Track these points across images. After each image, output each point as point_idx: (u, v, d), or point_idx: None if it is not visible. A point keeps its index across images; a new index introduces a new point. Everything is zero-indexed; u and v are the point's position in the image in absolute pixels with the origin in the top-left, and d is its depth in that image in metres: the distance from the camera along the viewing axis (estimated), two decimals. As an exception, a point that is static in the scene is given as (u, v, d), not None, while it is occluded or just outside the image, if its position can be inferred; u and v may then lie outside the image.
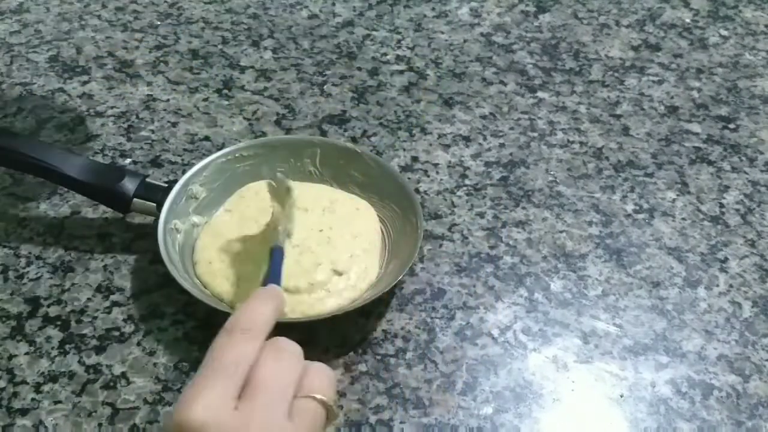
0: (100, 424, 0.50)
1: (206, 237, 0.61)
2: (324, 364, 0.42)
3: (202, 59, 0.85)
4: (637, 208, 0.69)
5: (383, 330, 0.57)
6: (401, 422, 0.51)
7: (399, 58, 0.86)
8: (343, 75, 0.83)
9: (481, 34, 0.91)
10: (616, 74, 0.85)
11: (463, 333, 0.57)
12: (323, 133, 0.75)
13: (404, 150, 0.74)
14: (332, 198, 0.64)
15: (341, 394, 0.53)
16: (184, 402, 0.35)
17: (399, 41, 0.89)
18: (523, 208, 0.68)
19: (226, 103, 0.79)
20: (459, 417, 0.52)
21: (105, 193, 0.60)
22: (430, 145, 0.74)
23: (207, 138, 0.74)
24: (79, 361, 0.54)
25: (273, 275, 0.51)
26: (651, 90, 0.83)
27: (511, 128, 0.77)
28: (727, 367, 0.56)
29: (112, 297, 0.59)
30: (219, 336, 0.40)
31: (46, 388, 0.53)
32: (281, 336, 0.54)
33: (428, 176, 0.71)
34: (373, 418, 0.52)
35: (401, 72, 0.84)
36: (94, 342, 0.56)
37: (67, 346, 0.55)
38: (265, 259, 0.58)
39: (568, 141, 0.76)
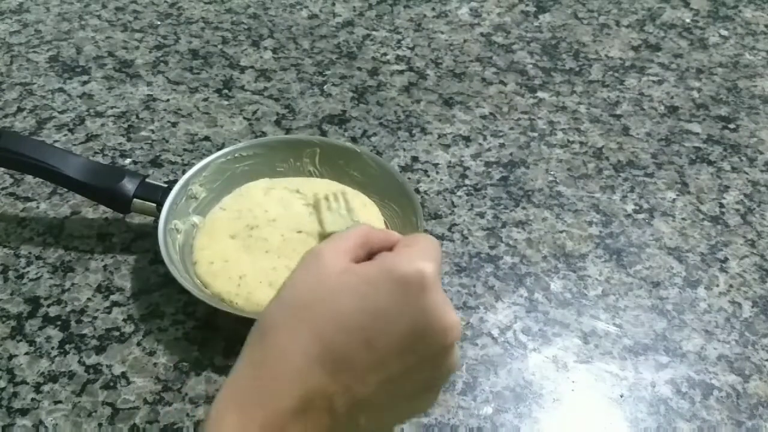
0: (100, 424, 0.50)
1: (203, 237, 0.61)
2: None
3: (202, 59, 0.85)
4: (637, 208, 0.69)
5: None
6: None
7: (399, 58, 0.86)
8: (343, 75, 0.83)
9: (481, 34, 0.91)
10: (616, 74, 0.85)
11: (463, 333, 0.57)
12: (323, 133, 0.75)
13: (404, 150, 0.74)
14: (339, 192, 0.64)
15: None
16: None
17: (399, 41, 0.89)
18: (523, 208, 0.68)
19: (226, 103, 0.79)
20: (459, 417, 0.52)
21: (105, 194, 0.60)
22: (430, 145, 0.74)
23: (207, 138, 0.74)
24: (79, 361, 0.54)
25: None
26: (651, 90, 0.83)
27: (511, 128, 0.77)
28: (727, 367, 0.56)
29: (112, 297, 0.59)
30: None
31: (46, 388, 0.53)
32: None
33: (428, 176, 0.71)
34: (373, 418, 0.52)
35: (401, 72, 0.84)
36: (94, 342, 0.56)
37: (67, 346, 0.55)
38: (264, 255, 0.58)
39: (568, 141, 0.76)
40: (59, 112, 0.77)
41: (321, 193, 0.61)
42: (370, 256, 0.38)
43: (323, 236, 0.58)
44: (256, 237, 0.60)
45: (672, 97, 0.82)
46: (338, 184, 0.65)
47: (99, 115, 0.76)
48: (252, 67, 0.84)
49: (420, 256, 0.36)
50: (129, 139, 0.74)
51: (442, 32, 0.91)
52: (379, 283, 0.35)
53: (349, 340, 0.34)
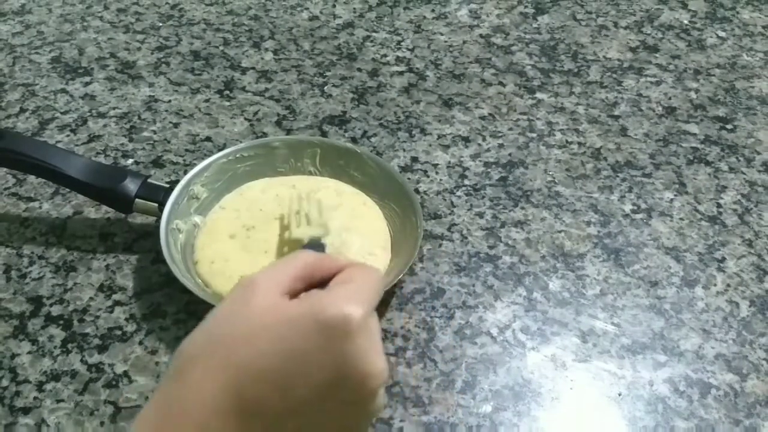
0: (102, 423, 0.51)
1: (204, 236, 0.61)
2: None
3: (203, 60, 0.85)
4: (635, 208, 0.69)
5: (383, 329, 0.57)
6: (401, 420, 0.52)
7: (399, 60, 0.86)
8: (344, 76, 0.84)
9: (481, 36, 0.91)
10: (614, 75, 0.85)
11: (462, 332, 0.58)
12: (324, 134, 0.75)
13: (404, 150, 0.74)
14: (339, 190, 0.65)
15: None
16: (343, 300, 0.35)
17: (399, 42, 0.89)
18: (522, 208, 0.68)
19: (228, 104, 0.79)
20: (458, 415, 0.52)
21: (107, 194, 0.61)
22: (430, 145, 0.75)
23: (208, 138, 0.75)
24: (81, 360, 0.55)
25: None
26: (649, 91, 0.84)
27: (510, 129, 0.77)
28: (725, 366, 0.56)
29: (114, 296, 0.59)
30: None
31: (48, 386, 0.53)
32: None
33: (428, 176, 0.71)
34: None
35: (401, 73, 0.84)
36: (96, 341, 0.56)
37: (69, 345, 0.56)
38: (264, 255, 0.59)
39: (567, 141, 0.76)
40: (62, 113, 0.77)
41: (295, 195, 0.61)
42: (310, 286, 0.36)
43: (284, 242, 0.58)
44: (254, 237, 0.61)
45: (670, 98, 0.83)
46: (334, 181, 0.66)
47: (101, 115, 0.77)
48: (253, 68, 0.84)
49: (351, 297, 0.34)
50: (131, 140, 0.74)
51: (442, 34, 0.91)
52: (301, 325, 0.33)
53: (263, 385, 0.33)
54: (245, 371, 0.33)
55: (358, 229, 0.61)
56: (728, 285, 0.63)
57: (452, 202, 0.69)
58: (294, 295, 0.36)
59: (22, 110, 0.77)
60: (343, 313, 0.33)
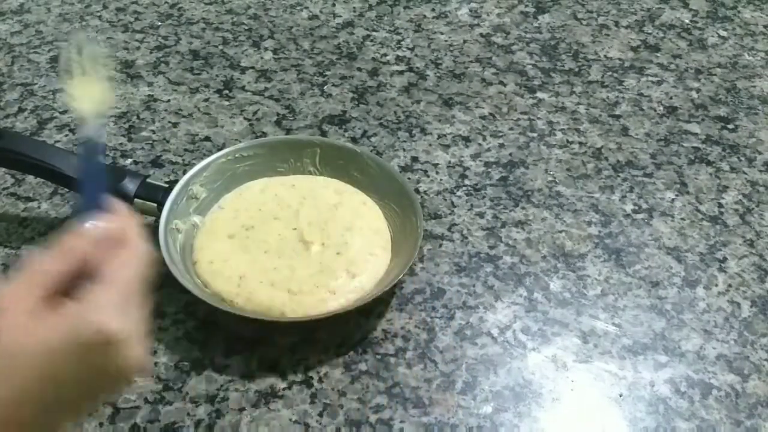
0: (101, 424, 0.51)
1: (203, 236, 0.61)
2: None
3: (202, 60, 0.85)
4: (636, 208, 0.69)
5: (383, 329, 0.57)
6: (401, 421, 0.52)
7: (399, 59, 0.86)
8: (344, 75, 0.83)
9: (481, 35, 0.91)
10: (615, 75, 0.85)
11: (462, 332, 0.57)
12: (323, 134, 0.75)
13: (404, 150, 0.74)
14: (339, 190, 0.65)
15: (341, 393, 0.53)
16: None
17: (399, 42, 0.89)
18: (523, 208, 0.68)
19: (227, 103, 0.79)
20: (459, 416, 0.52)
21: (106, 194, 0.60)
22: (430, 145, 0.75)
23: (207, 138, 0.74)
24: (80, 361, 0.54)
25: (92, 192, 0.40)
26: (650, 90, 0.83)
27: (511, 128, 0.77)
28: (726, 367, 0.56)
29: (113, 297, 0.59)
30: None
31: (47, 387, 0.53)
32: (280, 335, 0.54)
33: (428, 176, 0.71)
34: (373, 418, 0.52)
35: (401, 72, 0.84)
36: (95, 341, 0.56)
37: (68, 346, 0.55)
38: (263, 255, 0.59)
39: (568, 141, 0.76)
40: (60, 113, 0.77)
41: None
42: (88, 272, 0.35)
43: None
44: (254, 237, 0.60)
45: (671, 98, 0.82)
46: (334, 181, 0.66)
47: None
48: (252, 67, 0.84)
49: (104, 303, 0.34)
50: (130, 140, 0.74)
51: (442, 33, 0.91)
52: (62, 352, 0.32)
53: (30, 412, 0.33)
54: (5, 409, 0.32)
55: (358, 229, 0.61)
56: (729, 285, 0.62)
57: (452, 202, 0.68)
58: (62, 287, 0.35)
59: (21, 110, 0.77)
60: (96, 329, 0.33)
